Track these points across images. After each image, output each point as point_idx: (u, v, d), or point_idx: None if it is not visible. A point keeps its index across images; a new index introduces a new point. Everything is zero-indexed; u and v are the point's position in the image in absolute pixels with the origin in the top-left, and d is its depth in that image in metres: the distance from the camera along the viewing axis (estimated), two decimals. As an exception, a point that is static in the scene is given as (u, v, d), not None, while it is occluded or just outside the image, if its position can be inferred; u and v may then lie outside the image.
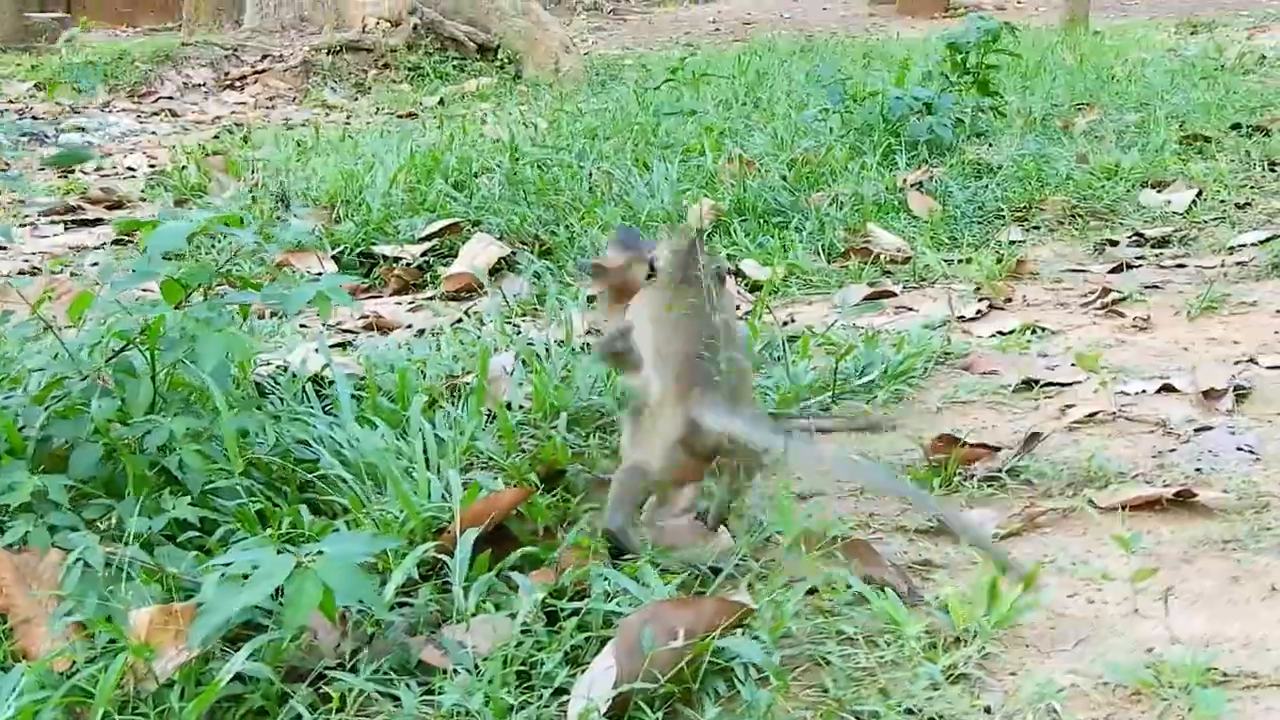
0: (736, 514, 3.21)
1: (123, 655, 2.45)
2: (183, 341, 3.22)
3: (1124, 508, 3.17)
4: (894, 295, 5.27)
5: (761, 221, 6.24)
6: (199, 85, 14.98)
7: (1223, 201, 6.53)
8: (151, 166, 9.74)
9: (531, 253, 6.00)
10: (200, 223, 3.50)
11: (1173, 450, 3.60)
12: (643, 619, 2.51)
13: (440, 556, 2.87)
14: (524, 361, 4.19)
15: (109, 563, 2.77)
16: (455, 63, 15.15)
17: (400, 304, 5.68)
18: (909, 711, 2.43)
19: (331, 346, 4.75)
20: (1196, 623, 2.69)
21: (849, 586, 2.78)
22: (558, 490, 3.38)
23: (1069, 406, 3.92)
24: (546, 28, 15.34)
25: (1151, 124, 8.20)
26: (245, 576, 2.47)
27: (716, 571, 2.93)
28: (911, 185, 6.70)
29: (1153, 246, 5.90)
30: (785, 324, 4.71)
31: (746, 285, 5.45)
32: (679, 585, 2.86)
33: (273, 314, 5.04)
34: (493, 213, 6.52)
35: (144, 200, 8.33)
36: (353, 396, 3.72)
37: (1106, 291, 5.05)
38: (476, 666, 2.56)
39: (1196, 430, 3.70)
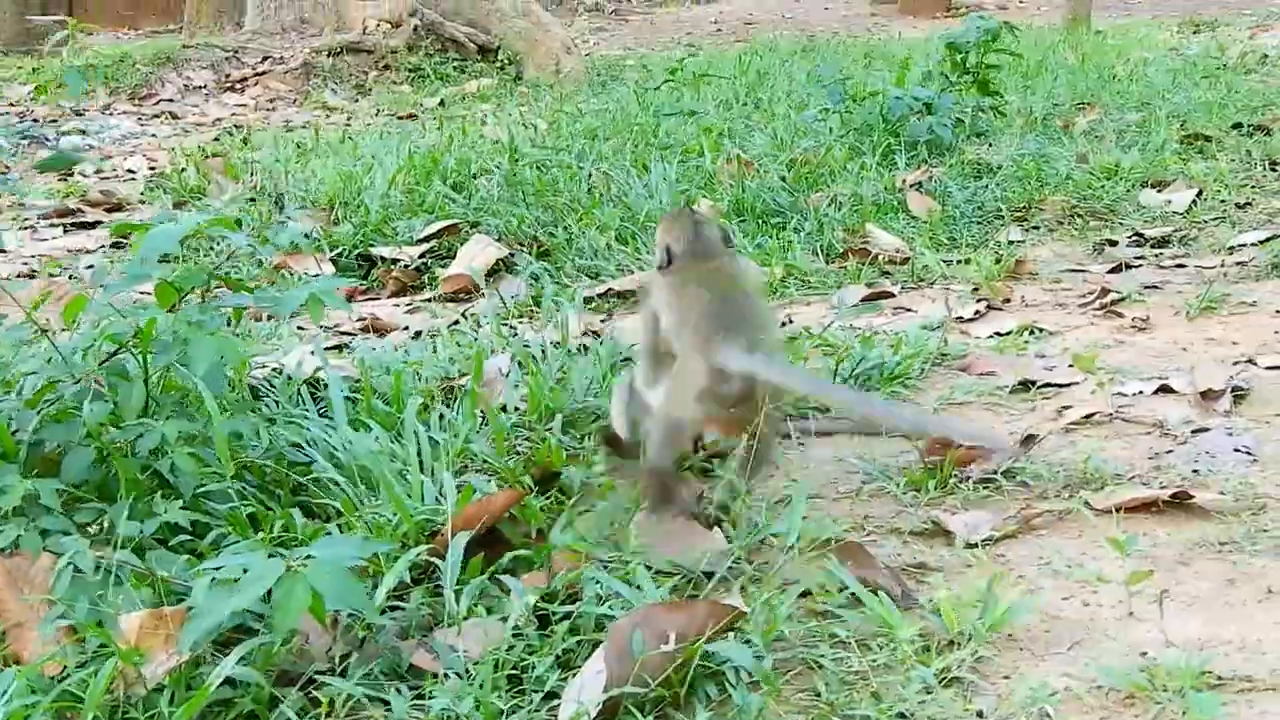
0: (735, 514, 3.19)
1: (112, 660, 2.44)
2: (175, 345, 3.21)
3: (1118, 510, 3.15)
4: (892, 296, 5.26)
5: (760, 222, 6.23)
6: (200, 87, 14.97)
7: (1223, 201, 6.52)
8: (151, 169, 9.72)
9: (529, 254, 5.98)
10: (192, 226, 3.49)
11: (1170, 451, 3.58)
12: (633, 622, 2.50)
13: (433, 560, 2.86)
14: (520, 363, 4.18)
15: (100, 566, 2.76)
16: (456, 64, 15.14)
17: (398, 306, 5.67)
18: (901, 715, 2.42)
19: (329, 348, 4.74)
20: (1192, 625, 2.68)
21: (843, 589, 2.77)
22: (552, 492, 3.37)
23: (1066, 408, 3.91)
24: (547, 29, 15.32)
25: (1152, 123, 8.19)
26: (236, 581, 2.46)
27: (710, 575, 2.91)
28: (911, 185, 6.69)
29: (1152, 246, 5.88)
30: (783, 325, 4.70)
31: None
32: (672, 588, 2.85)
33: (269, 316, 5.03)
34: (491, 214, 6.51)
35: (143, 203, 8.32)
36: (347, 399, 3.71)
37: (1105, 292, 5.03)
38: (467, 670, 2.54)
39: (1194, 431, 3.69)
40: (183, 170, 8.77)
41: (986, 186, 6.76)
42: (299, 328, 5.10)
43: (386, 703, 2.49)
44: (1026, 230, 6.26)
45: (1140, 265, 5.56)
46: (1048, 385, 4.11)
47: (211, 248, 6.07)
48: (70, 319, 3.49)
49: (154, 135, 12.09)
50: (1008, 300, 5.13)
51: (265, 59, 15.67)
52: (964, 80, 8.25)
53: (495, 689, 2.48)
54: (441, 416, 3.71)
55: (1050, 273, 5.54)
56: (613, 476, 3.45)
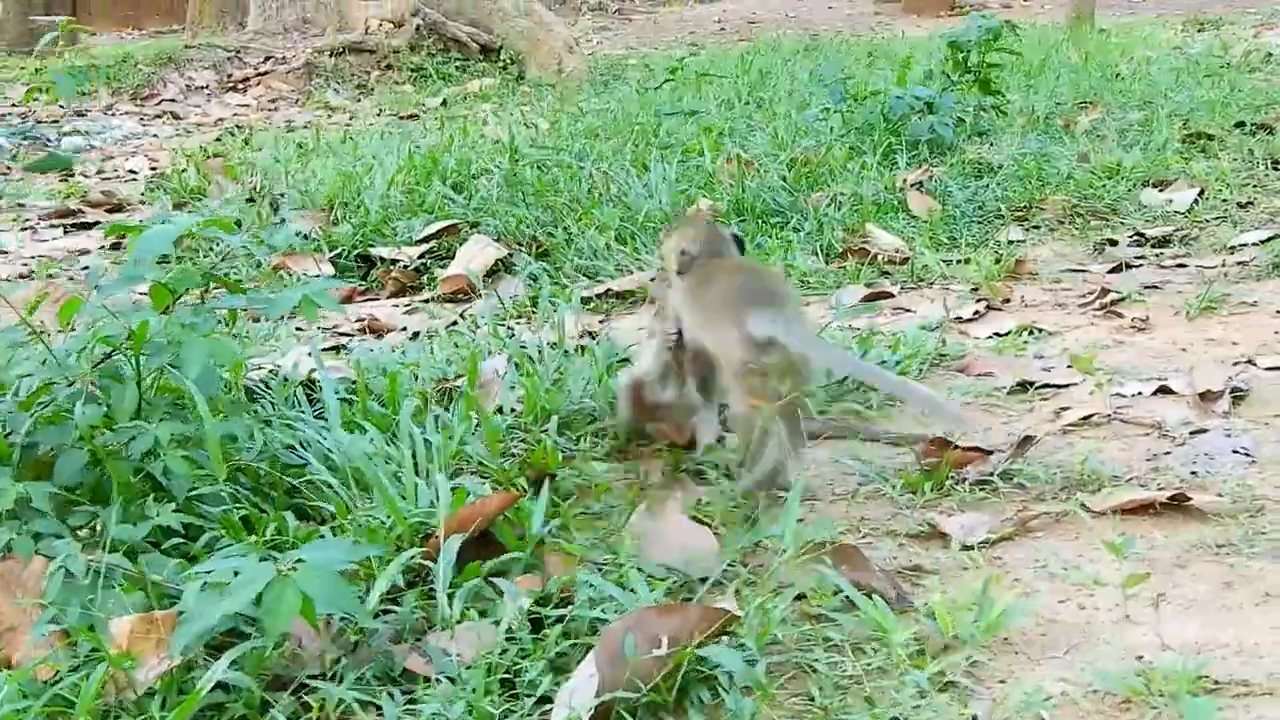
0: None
1: (104, 665, 2.43)
2: (169, 347, 3.20)
3: (1114, 512, 3.15)
4: (891, 296, 5.24)
5: (760, 222, 6.21)
6: (202, 87, 14.98)
7: (1225, 200, 6.50)
8: (153, 169, 9.72)
9: (529, 254, 5.97)
10: (186, 227, 3.48)
11: (1168, 453, 3.57)
12: (626, 626, 2.48)
13: (426, 563, 2.85)
14: (516, 365, 4.16)
15: (92, 570, 2.75)
16: (458, 64, 15.14)
17: (397, 306, 5.66)
18: (894, 720, 2.41)
19: (327, 349, 4.74)
20: (1188, 629, 2.67)
21: (837, 592, 2.76)
22: (546, 494, 3.34)
23: (1064, 409, 3.90)
24: (549, 28, 15.31)
25: (1154, 122, 8.16)
26: (227, 585, 2.45)
27: (704, 578, 2.90)
28: (911, 185, 6.67)
29: (1153, 246, 5.86)
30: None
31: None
32: (666, 591, 2.83)
33: (267, 317, 5.02)
34: (491, 214, 6.49)
35: (144, 203, 8.32)
36: (343, 401, 3.70)
37: (1105, 292, 5.01)
38: (460, 674, 2.53)
39: (1192, 433, 3.68)
40: (183, 171, 8.76)
41: (987, 186, 6.74)
42: (297, 328, 5.09)
43: (379, 707, 2.48)
44: (1027, 230, 6.24)
45: (1141, 265, 5.54)
46: (1046, 386, 4.10)
47: (211, 248, 6.06)
48: (65, 321, 3.48)
49: (155, 135, 12.10)
50: (1007, 300, 5.11)
51: (267, 59, 15.67)
52: (966, 79, 8.23)
53: (488, 693, 2.47)
54: (437, 418, 3.70)
55: (1050, 272, 5.52)
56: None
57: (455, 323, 5.03)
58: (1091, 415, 3.82)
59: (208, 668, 2.45)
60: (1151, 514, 3.19)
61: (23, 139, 11.59)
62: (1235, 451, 3.54)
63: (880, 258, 5.72)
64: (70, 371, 3.29)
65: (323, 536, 2.99)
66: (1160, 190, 6.67)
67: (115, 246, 6.86)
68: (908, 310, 5.03)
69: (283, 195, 7.24)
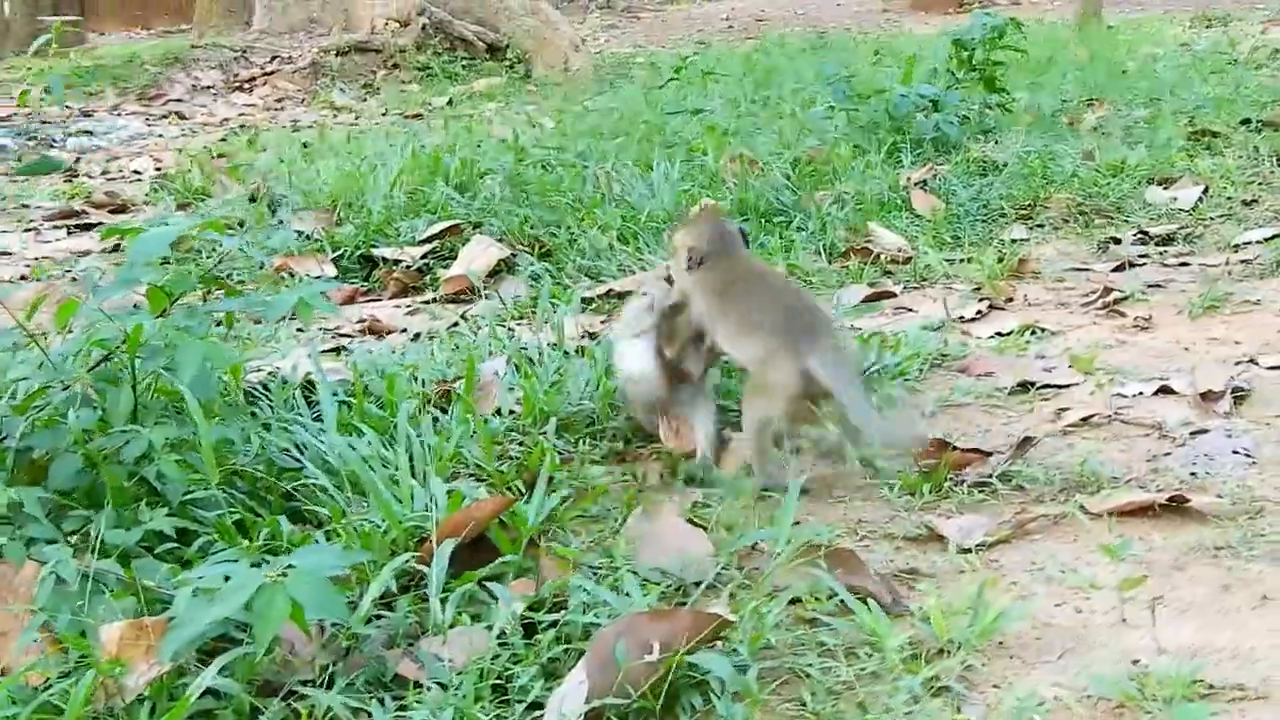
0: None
1: (93, 671, 2.42)
2: (164, 350, 3.19)
3: (1111, 514, 3.14)
4: (894, 296, 5.23)
5: (763, 221, 6.19)
6: (208, 87, 14.99)
7: (1229, 198, 6.48)
8: (158, 169, 9.71)
9: (531, 254, 5.96)
10: (182, 230, 3.47)
11: (1168, 454, 3.55)
12: (616, 632, 2.47)
13: (421, 567, 2.84)
14: (516, 366, 4.15)
15: (85, 575, 2.74)
16: (464, 63, 15.14)
17: (399, 307, 5.65)
18: (887, 726, 2.40)
19: (327, 351, 4.74)
20: (1184, 633, 2.65)
21: (832, 596, 2.75)
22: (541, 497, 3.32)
23: (1064, 409, 3.88)
24: (556, 27, 15.31)
25: (1160, 119, 8.13)
26: (217, 590, 2.44)
27: (699, 582, 2.89)
28: (915, 183, 6.65)
29: (1157, 244, 5.84)
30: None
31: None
32: (660, 595, 2.82)
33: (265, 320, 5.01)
34: (493, 214, 6.47)
35: (148, 204, 8.31)
36: (342, 403, 3.69)
37: (1108, 291, 5.00)
38: (452, 680, 2.52)
39: (1193, 433, 3.66)
40: (187, 172, 8.75)
41: (991, 184, 6.72)
42: (298, 330, 5.08)
43: (369, 714, 2.46)
44: (1031, 228, 6.23)
45: (1144, 263, 5.53)
46: (1047, 386, 4.08)
47: (214, 249, 6.06)
48: (62, 323, 3.46)
49: (161, 136, 12.10)
50: (1010, 299, 5.10)
51: (273, 59, 15.68)
52: (971, 77, 8.21)
53: (478, 699, 2.46)
54: (435, 421, 3.69)
55: (1053, 271, 5.50)
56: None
57: (456, 324, 5.02)
58: (1092, 416, 3.80)
59: (199, 674, 2.44)
60: (1150, 516, 3.17)
61: (28, 140, 11.60)
62: (1236, 452, 3.52)
63: (883, 257, 5.70)
64: (65, 375, 3.28)
65: (317, 541, 2.98)
66: (1165, 188, 6.64)
67: (116, 248, 6.85)
68: (910, 310, 5.02)
69: (284, 196, 7.22)
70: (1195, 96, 9.06)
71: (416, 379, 4.15)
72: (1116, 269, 5.43)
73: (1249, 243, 5.68)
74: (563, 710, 2.37)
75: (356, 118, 12.58)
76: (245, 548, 2.89)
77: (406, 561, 2.82)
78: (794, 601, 2.77)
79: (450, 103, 12.89)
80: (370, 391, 3.89)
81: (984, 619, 2.63)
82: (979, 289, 5.20)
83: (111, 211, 8.16)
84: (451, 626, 2.68)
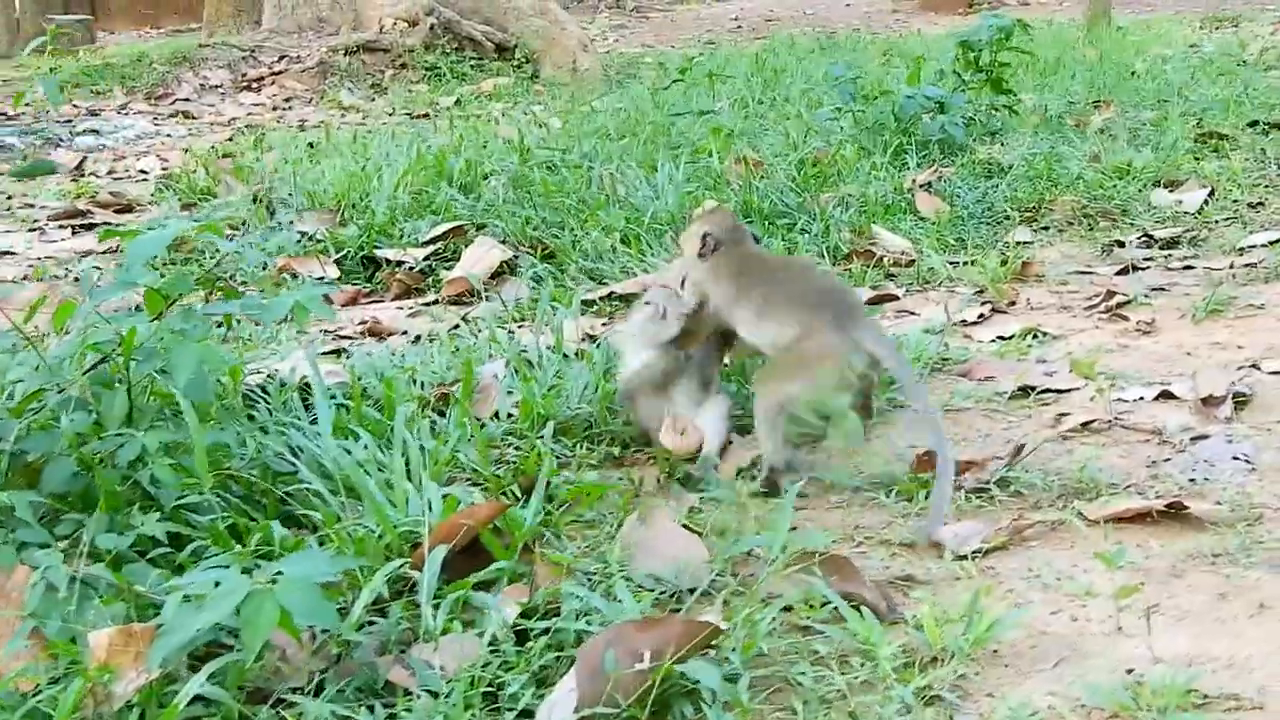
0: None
1: (82, 677, 2.41)
2: (160, 353, 3.18)
3: (1106, 521, 3.13)
4: (896, 299, 5.21)
5: (768, 223, 6.16)
6: (216, 87, 14.99)
7: (1235, 201, 6.45)
8: (164, 169, 9.70)
9: (534, 256, 5.94)
10: (179, 232, 3.46)
11: (1167, 460, 3.53)
12: (606, 641, 2.45)
13: (414, 573, 2.82)
14: (515, 369, 4.14)
15: (78, 580, 2.73)
16: (472, 63, 15.13)
17: (401, 309, 5.64)
18: (878, 735, 2.38)
19: (327, 353, 4.73)
20: (1180, 641, 2.63)
21: (825, 604, 2.73)
22: (541, 502, 3.31)
23: (1064, 414, 3.86)
24: (564, 27, 15.30)
25: (1167, 121, 8.10)
26: (206, 596, 2.43)
27: (693, 589, 2.88)
28: (920, 186, 6.63)
29: (1161, 248, 5.81)
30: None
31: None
32: (654, 602, 2.81)
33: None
34: (497, 216, 6.46)
35: (153, 204, 8.31)
36: (340, 406, 3.68)
37: (1111, 295, 4.98)
38: (442, 688, 2.50)
39: (1193, 439, 3.64)
40: (192, 172, 8.75)
41: (997, 186, 6.70)
42: (299, 331, 5.07)
43: (358, 721, 2.46)
44: (1036, 231, 6.21)
45: (1148, 267, 5.50)
46: (1047, 391, 4.06)
47: (216, 250, 6.05)
48: (59, 325, 3.46)
49: (168, 135, 12.10)
50: (1013, 303, 5.08)
51: (282, 58, 15.68)
52: (977, 79, 8.19)
53: (469, 707, 2.44)
54: (433, 425, 3.68)
55: (1057, 274, 5.48)
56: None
57: (457, 326, 5.01)
58: (1092, 421, 3.78)
59: (189, 680, 2.43)
60: (1149, 522, 3.15)
61: (35, 139, 11.61)
62: (1235, 458, 3.50)
63: (886, 260, 5.68)
64: (61, 378, 3.27)
65: (310, 546, 2.97)
66: (1171, 190, 6.61)
67: (119, 249, 6.84)
68: (912, 313, 5.00)
69: (289, 195, 7.21)
70: (1203, 98, 9.03)
71: (415, 382, 4.13)
72: (1120, 272, 5.41)
73: (1253, 246, 5.65)
74: (552, 719, 2.36)
75: (364, 117, 12.58)
76: (237, 553, 2.88)
77: (399, 567, 2.81)
78: (788, 609, 2.76)
79: (458, 103, 12.88)
80: (369, 394, 3.88)
81: (978, 627, 2.61)
82: (982, 292, 5.18)
83: (117, 211, 8.15)
84: (443, 633, 2.66)
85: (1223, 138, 7.70)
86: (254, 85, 14.94)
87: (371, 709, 2.47)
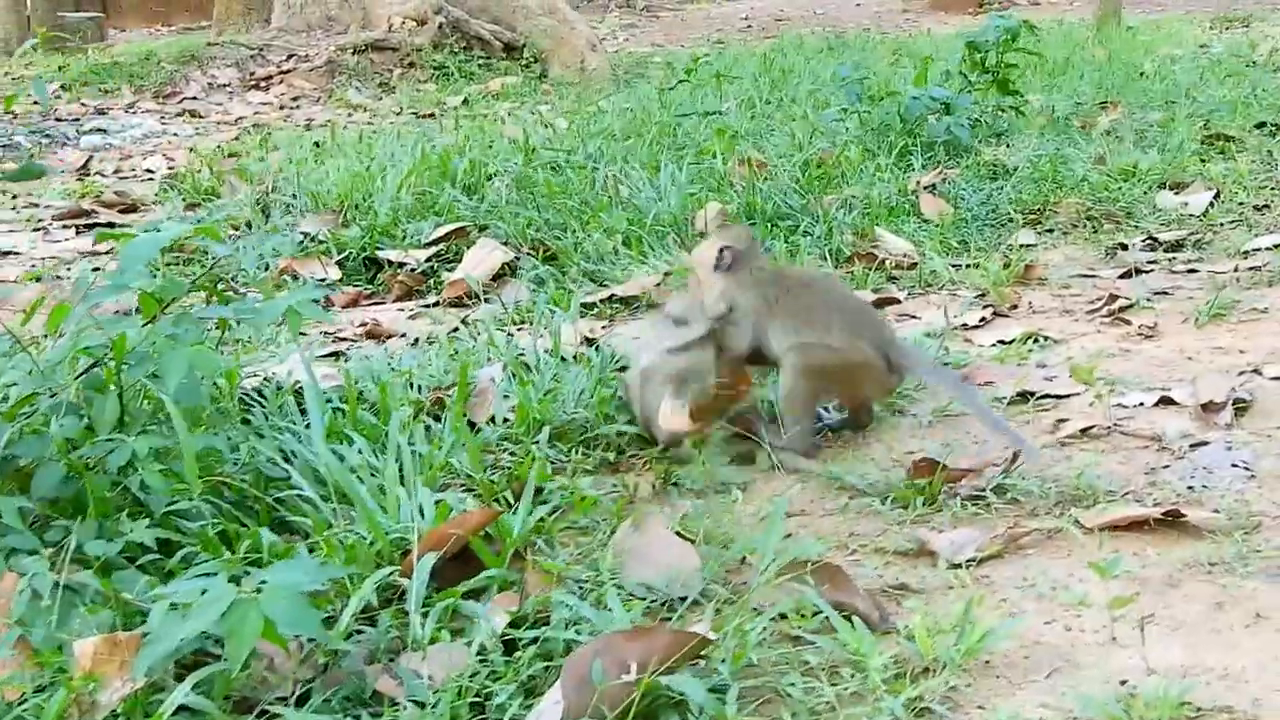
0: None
1: (66, 687, 2.40)
2: (152, 357, 3.16)
3: (1103, 529, 3.11)
4: (898, 302, 5.19)
5: (770, 225, 6.14)
6: (224, 85, 14.97)
7: (1241, 203, 6.41)
8: (170, 169, 9.69)
9: (536, 258, 5.92)
10: (174, 236, 3.45)
11: (1166, 467, 3.51)
12: (593, 651, 2.43)
13: (403, 580, 2.81)
14: (512, 373, 4.12)
15: (67, 587, 2.72)
16: (481, 62, 15.12)
17: (402, 311, 5.62)
18: (867, 747, 2.36)
19: (326, 355, 4.71)
20: (1175, 652, 2.61)
21: (817, 613, 2.71)
22: (534, 509, 3.28)
23: (1063, 420, 3.83)
24: (573, 26, 15.29)
25: (1175, 123, 8.06)
26: (192, 605, 2.41)
27: (684, 597, 2.86)
28: (925, 187, 6.60)
29: (1166, 250, 5.78)
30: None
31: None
32: (645, 610, 2.79)
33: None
34: (500, 217, 6.44)
35: (158, 204, 8.29)
36: (336, 410, 3.67)
37: (1114, 298, 4.95)
38: (430, 698, 2.48)
39: (1192, 446, 3.62)
40: (197, 171, 8.74)
41: (1001, 188, 6.67)
42: (300, 333, 5.05)
43: (344, 731, 2.44)
44: (1040, 234, 6.18)
45: (1152, 270, 5.47)
46: (1046, 396, 4.04)
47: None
48: (53, 328, 3.44)
49: (175, 134, 12.08)
50: (1015, 306, 5.06)
51: (290, 57, 15.66)
52: (984, 80, 8.16)
53: (455, 718, 2.43)
54: (428, 429, 3.66)
55: (1060, 278, 5.46)
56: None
57: (457, 329, 4.99)
58: (1091, 427, 3.76)
59: (175, 690, 2.42)
60: (1146, 530, 3.13)
61: (43, 138, 11.61)
62: (1235, 465, 3.48)
63: (888, 262, 5.65)
64: (55, 382, 3.26)
65: (299, 553, 2.94)
66: (1176, 193, 6.58)
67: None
68: (914, 317, 4.98)
69: (294, 196, 7.19)
70: (1211, 99, 8.98)
71: (412, 385, 4.12)
72: (1123, 275, 5.38)
73: (1258, 249, 5.61)
74: (537, 730, 2.35)
75: (372, 117, 12.56)
76: (227, 560, 2.87)
77: (389, 575, 2.79)
78: (779, 618, 2.73)
79: (465, 102, 12.86)
80: (365, 398, 3.86)
81: (970, 637, 2.59)
82: (983, 295, 5.16)
83: (121, 211, 8.13)
84: (432, 642, 2.64)
85: (1229, 139, 7.67)
86: (262, 84, 14.92)
87: (358, 719, 2.45)
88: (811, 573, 2.82)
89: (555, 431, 3.75)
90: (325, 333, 5.15)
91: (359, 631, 2.70)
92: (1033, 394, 4.04)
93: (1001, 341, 4.59)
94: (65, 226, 7.78)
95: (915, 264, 5.63)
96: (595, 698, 2.35)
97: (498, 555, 2.93)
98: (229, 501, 3.21)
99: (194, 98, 14.38)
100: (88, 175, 9.76)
